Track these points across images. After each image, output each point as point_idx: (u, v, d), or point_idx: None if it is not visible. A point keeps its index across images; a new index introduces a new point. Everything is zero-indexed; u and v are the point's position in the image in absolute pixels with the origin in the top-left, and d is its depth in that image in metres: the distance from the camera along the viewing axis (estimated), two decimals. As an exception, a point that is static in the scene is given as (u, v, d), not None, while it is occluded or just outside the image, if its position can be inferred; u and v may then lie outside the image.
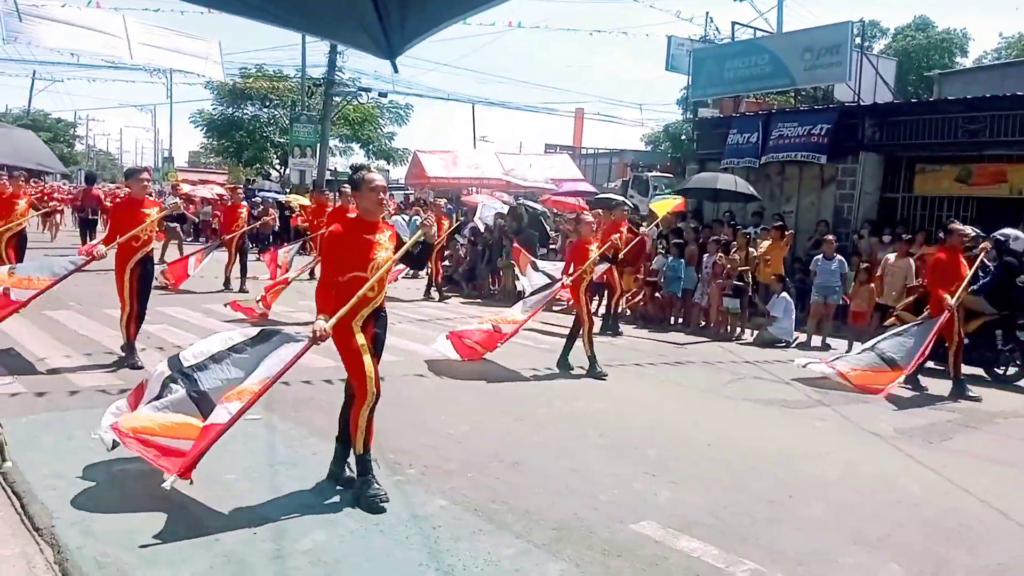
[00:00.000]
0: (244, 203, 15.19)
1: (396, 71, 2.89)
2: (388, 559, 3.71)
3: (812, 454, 5.77)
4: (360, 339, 4.35)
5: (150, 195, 8.04)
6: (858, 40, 18.26)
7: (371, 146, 36.75)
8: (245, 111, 35.37)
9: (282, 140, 33.58)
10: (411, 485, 4.66)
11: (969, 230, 8.62)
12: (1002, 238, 9.09)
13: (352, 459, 4.51)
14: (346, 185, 11.58)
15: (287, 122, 32.11)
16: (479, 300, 14.06)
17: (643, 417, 6.60)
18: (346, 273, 4.32)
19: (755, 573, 3.70)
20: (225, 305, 10.51)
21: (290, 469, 4.85)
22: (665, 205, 19.77)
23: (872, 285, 10.64)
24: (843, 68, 16.82)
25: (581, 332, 8.16)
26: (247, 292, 12.66)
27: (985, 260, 8.98)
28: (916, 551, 4.06)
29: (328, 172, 29.30)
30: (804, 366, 8.43)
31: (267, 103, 34.97)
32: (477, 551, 3.80)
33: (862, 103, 16.80)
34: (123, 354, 7.45)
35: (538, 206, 18.39)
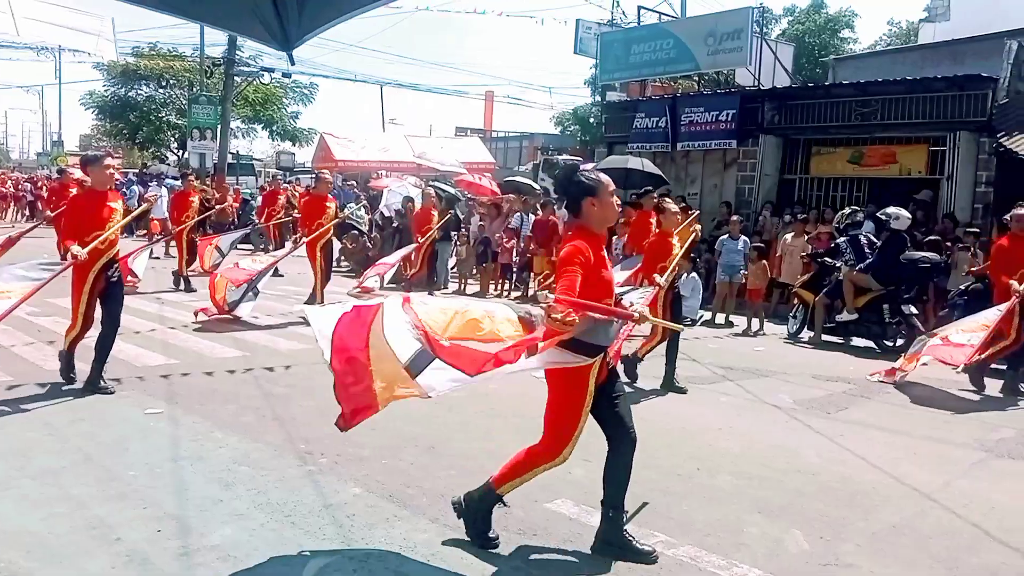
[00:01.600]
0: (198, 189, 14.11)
1: (293, 63, 2.85)
2: (301, 551, 3.64)
3: (717, 428, 5.96)
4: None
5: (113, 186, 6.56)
6: (758, 26, 18.82)
7: (275, 127, 35.73)
8: (139, 92, 33.77)
9: (180, 122, 32.28)
10: (323, 474, 4.57)
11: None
12: (884, 217, 9.62)
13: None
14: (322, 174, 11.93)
15: (185, 103, 30.87)
16: (393, 286, 13.90)
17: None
18: None
19: (665, 544, 3.79)
20: (196, 314, 9.32)
21: (195, 464, 4.69)
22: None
23: (765, 263, 11.05)
24: (744, 53, 17.30)
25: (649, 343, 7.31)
26: (195, 290, 11.52)
27: (872, 238, 9.50)
28: (816, 517, 4.25)
29: (230, 155, 28.34)
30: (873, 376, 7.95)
31: (163, 83, 33.49)
32: (392, 538, 3.77)
33: (762, 87, 17.35)
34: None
35: (451, 189, 18.30)
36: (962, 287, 9.45)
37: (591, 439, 5.39)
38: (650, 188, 11.65)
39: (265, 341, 8.40)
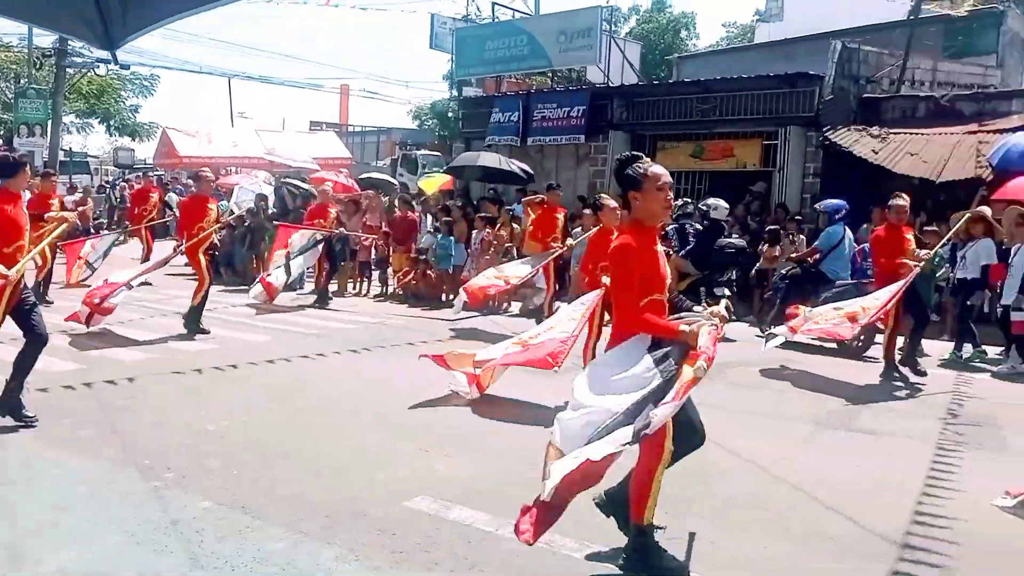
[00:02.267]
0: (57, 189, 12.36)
1: (116, 63, 2.73)
2: (149, 571, 3.47)
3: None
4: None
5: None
6: (607, 24, 19.45)
7: (112, 121, 33.53)
8: (-43, 85, 30.81)
9: (5, 117, 29.70)
10: (169, 490, 4.36)
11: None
12: (704, 207, 10.40)
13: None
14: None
15: (10, 97, 28.43)
16: (243, 287, 13.40)
17: (417, 395, 6.64)
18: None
19: (524, 534, 3.87)
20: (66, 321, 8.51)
21: (25, 486, 4.36)
22: (434, 183, 19.98)
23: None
24: (594, 51, 17.86)
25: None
26: (51, 302, 10.17)
27: (696, 226, 10.20)
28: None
29: (62, 152, 26.37)
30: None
31: (-14, 76, 30.71)
32: (245, 549, 3.65)
33: (611, 85, 17.96)
34: None
35: (305, 185, 17.83)
36: (783, 271, 10.16)
37: (452, 439, 5.45)
38: (553, 184, 11.73)
39: (107, 353, 7.90)
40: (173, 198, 17.44)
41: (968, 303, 8.77)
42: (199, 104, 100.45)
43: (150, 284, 12.23)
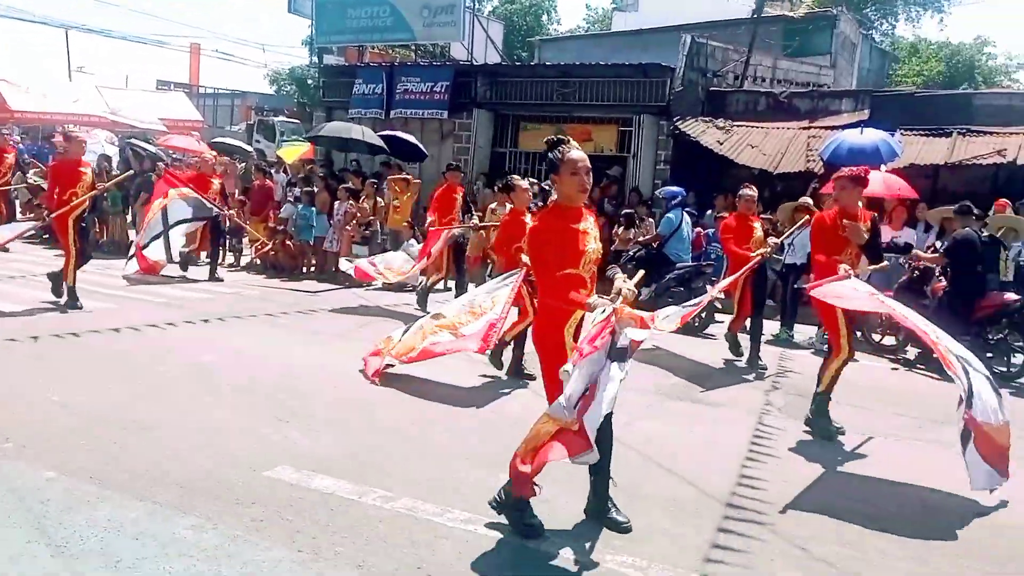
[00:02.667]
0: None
1: None
2: (-16, 544, 3.30)
3: (437, 393, 6.24)
4: None
5: None
6: (469, 2, 19.46)
7: None
8: None
9: None
10: (9, 461, 4.13)
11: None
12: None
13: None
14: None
15: None
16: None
17: (275, 366, 6.56)
18: None
19: (384, 499, 3.97)
20: None
21: None
22: (294, 152, 19.40)
23: (483, 232, 11.65)
24: (457, 28, 17.85)
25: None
26: None
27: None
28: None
29: None
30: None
31: None
32: (95, 520, 3.54)
33: (475, 63, 18.05)
34: None
35: (151, 147, 16.88)
36: (631, 252, 10.69)
37: (311, 409, 5.45)
38: (453, 163, 11.40)
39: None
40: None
41: (796, 287, 9.51)
42: (32, 56, 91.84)
43: (7, 251, 11.34)
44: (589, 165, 3.79)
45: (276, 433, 4.90)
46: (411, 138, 14.81)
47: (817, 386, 5.76)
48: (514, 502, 3.74)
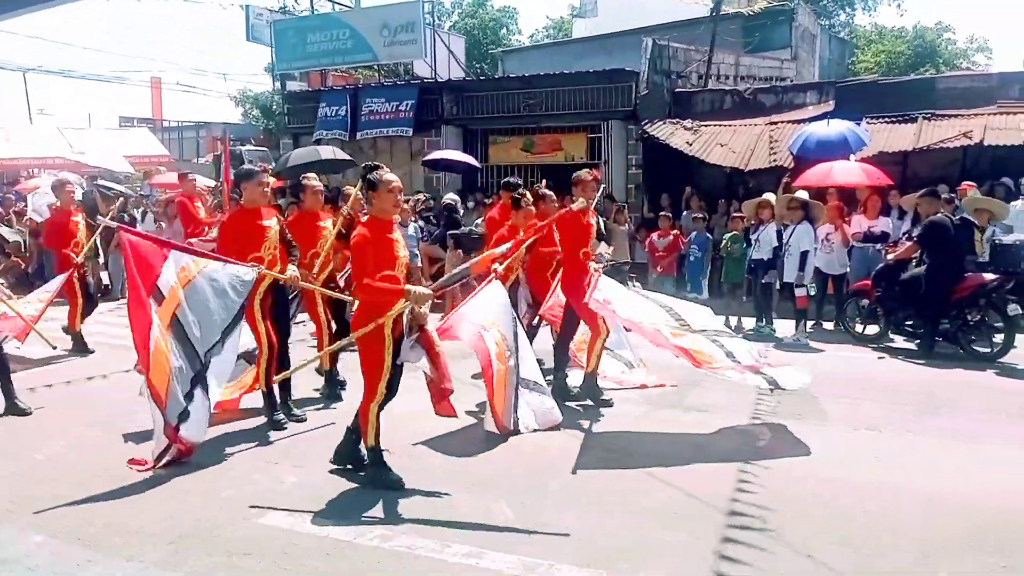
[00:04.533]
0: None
1: None
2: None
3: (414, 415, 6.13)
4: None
5: None
6: (429, 18, 19.48)
7: None
8: None
9: None
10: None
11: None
12: (450, 201, 11.87)
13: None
14: None
15: None
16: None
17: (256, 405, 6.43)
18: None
19: (383, 538, 3.89)
20: None
21: None
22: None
23: (460, 251, 11.63)
24: (419, 45, 17.85)
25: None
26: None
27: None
28: (521, 482, 4.62)
29: None
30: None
31: None
32: (84, 586, 3.44)
33: (439, 79, 18.03)
34: None
35: (119, 187, 16.64)
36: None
37: (301, 447, 5.33)
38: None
39: None
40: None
41: (763, 281, 9.50)
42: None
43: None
44: (401, 186, 4.64)
45: (264, 475, 4.78)
46: (456, 154, 14.55)
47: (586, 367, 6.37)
48: (374, 457, 4.59)
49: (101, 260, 13.15)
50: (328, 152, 14.04)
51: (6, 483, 4.60)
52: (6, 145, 23.90)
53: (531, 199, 6.95)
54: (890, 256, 8.92)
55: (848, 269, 9.86)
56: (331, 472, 4.79)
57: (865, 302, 9.08)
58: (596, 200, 6.67)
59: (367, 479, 4.62)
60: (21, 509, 4.23)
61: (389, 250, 4.49)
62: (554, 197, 7.27)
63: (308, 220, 6.57)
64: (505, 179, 8.02)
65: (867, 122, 12.09)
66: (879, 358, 8.30)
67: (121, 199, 13.69)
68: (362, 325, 4.47)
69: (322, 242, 6.44)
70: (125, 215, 13.17)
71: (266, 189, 5.75)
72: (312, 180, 6.77)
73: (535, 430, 5.62)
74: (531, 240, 6.29)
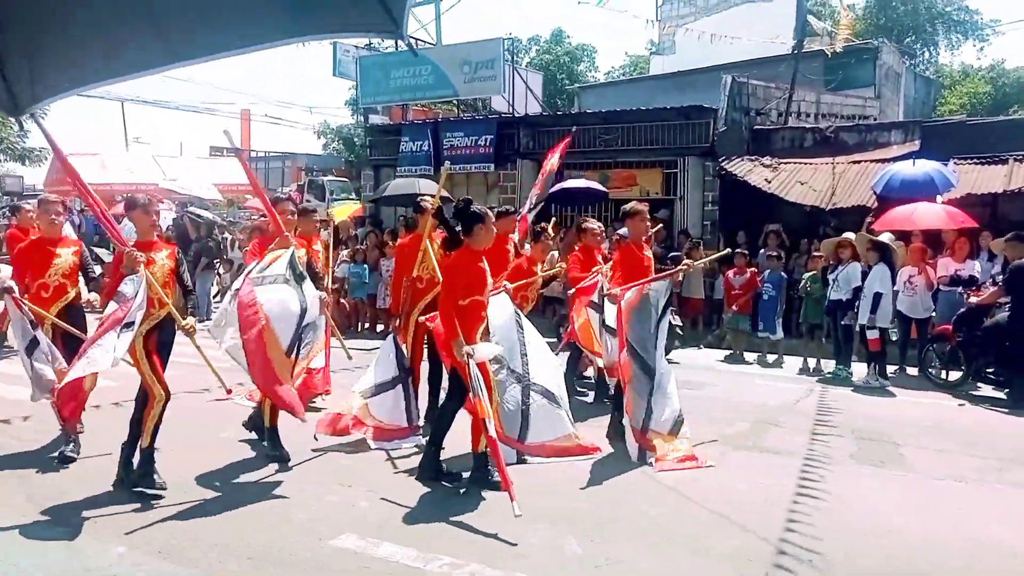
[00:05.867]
0: None
1: (22, 128, 2.67)
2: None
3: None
4: None
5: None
6: (509, 55, 19.84)
7: (1, 145, 31.75)
8: None
9: None
10: (81, 537, 4.20)
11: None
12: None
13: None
14: None
15: None
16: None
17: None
18: None
19: (452, 566, 3.92)
20: None
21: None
22: (345, 210, 19.80)
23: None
24: (498, 81, 18.18)
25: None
26: None
27: None
28: (596, 517, 4.59)
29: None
30: None
31: None
32: (166, 597, 3.57)
33: (516, 115, 18.30)
34: None
35: (207, 214, 17.37)
36: None
37: (373, 471, 5.43)
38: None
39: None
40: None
41: (842, 323, 9.27)
42: (92, 128, 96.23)
43: None
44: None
45: (338, 498, 4.88)
46: (583, 182, 14.21)
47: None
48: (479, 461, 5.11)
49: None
50: (424, 187, 14.20)
51: (87, 493, 4.81)
52: (102, 171, 25.21)
53: (551, 233, 7.54)
54: (973, 300, 8.62)
55: (933, 313, 9.53)
56: (403, 495, 4.86)
57: (947, 347, 8.76)
58: (647, 232, 6.77)
59: (470, 481, 5.08)
60: (104, 521, 4.43)
61: (480, 277, 4.99)
62: (596, 230, 7.49)
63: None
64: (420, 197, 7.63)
65: (955, 163, 11.73)
66: (959, 405, 7.98)
67: (208, 225, 14.33)
68: (449, 339, 4.90)
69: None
70: (211, 240, 13.73)
71: (155, 219, 5.45)
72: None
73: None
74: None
